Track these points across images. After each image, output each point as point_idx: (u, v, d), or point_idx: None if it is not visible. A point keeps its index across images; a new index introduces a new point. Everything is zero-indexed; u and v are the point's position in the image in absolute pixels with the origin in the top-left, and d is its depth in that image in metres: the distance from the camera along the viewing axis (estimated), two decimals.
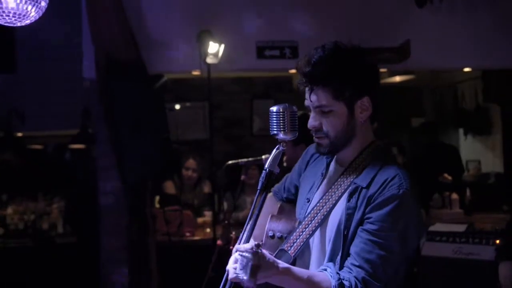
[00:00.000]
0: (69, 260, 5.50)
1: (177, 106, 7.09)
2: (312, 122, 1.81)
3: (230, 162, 3.91)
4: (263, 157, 3.75)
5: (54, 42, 5.95)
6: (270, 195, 2.19)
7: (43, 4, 2.25)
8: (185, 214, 5.14)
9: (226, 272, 1.64)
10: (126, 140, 4.49)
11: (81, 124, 6.12)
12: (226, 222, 3.87)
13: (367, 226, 1.71)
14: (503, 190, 6.44)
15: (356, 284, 1.66)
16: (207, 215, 5.55)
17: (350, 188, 1.77)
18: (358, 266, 1.68)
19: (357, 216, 1.73)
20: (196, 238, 5.12)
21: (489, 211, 5.48)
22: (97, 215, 4.99)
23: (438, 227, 4.58)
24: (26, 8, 2.20)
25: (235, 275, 1.57)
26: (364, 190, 1.74)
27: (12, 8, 2.26)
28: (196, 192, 5.75)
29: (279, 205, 2.13)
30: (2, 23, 2.22)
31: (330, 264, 1.75)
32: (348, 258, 1.72)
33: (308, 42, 4.94)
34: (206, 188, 5.82)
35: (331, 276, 1.68)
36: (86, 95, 5.37)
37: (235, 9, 5.07)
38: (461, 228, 4.47)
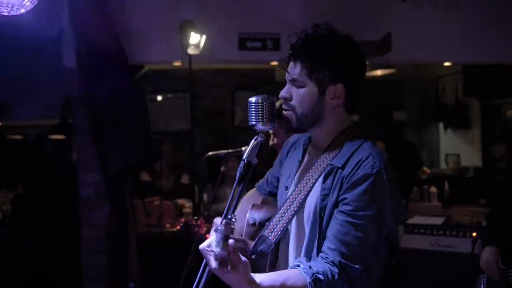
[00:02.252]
0: (49, 250, 5.48)
1: (159, 97, 7.06)
2: (282, 93, 1.83)
3: (210, 153, 3.91)
4: (243, 148, 3.74)
5: (35, 31, 5.86)
6: (253, 190, 2.20)
7: None
8: (165, 205, 5.13)
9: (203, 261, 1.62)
10: (107, 130, 4.47)
11: (61, 114, 6.05)
12: (206, 213, 3.87)
13: (343, 207, 1.70)
14: (481, 184, 6.52)
15: (331, 273, 1.64)
16: (188, 207, 5.55)
17: (325, 169, 1.78)
18: (334, 249, 1.66)
19: (332, 197, 1.73)
20: (176, 229, 5.10)
21: (467, 204, 5.54)
22: (77, 205, 4.96)
23: (416, 219, 4.62)
24: None
25: (206, 251, 1.53)
26: (339, 171, 1.74)
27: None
28: (171, 179, 5.73)
29: (262, 198, 2.14)
30: None
31: (302, 259, 1.73)
32: (325, 242, 1.70)
33: (289, 34, 4.93)
34: (185, 179, 5.82)
35: (304, 272, 1.64)
36: (66, 85, 5.30)
37: (217, 0, 5.05)
38: (438, 221, 4.53)
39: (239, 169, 1.77)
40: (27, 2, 2.35)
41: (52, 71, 5.98)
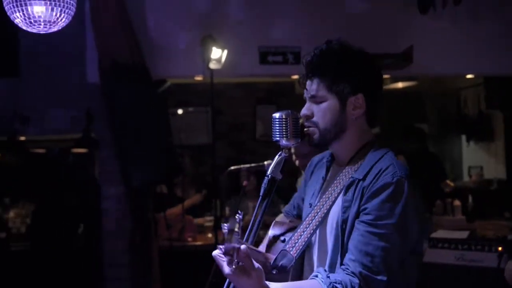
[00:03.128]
0: (72, 264, 5.51)
1: (180, 111, 7.10)
2: (304, 111, 1.84)
3: (232, 167, 3.92)
4: (265, 162, 3.75)
5: (58, 47, 5.95)
6: (281, 215, 2.19)
7: (71, 9, 2.29)
8: (187, 219, 5.14)
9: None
10: (130, 144, 4.50)
11: (84, 128, 6.11)
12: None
13: (363, 217, 1.68)
14: (505, 197, 6.43)
15: (351, 283, 1.61)
16: (209, 221, 5.55)
17: (346, 182, 1.78)
18: (355, 261, 1.64)
19: (354, 208, 1.72)
20: (198, 243, 5.12)
21: (491, 218, 5.46)
22: (100, 219, 4.99)
23: (440, 233, 4.57)
24: (56, 15, 2.24)
25: (219, 257, 1.54)
26: (360, 183, 1.73)
27: (40, 17, 2.31)
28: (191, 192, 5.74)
29: (289, 220, 2.11)
30: (35, 31, 2.25)
31: (321, 269, 1.71)
32: (347, 254, 1.69)
33: (311, 47, 4.93)
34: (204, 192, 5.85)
35: (322, 281, 1.63)
36: (89, 100, 5.37)
37: (238, 15, 5.08)
38: (463, 235, 4.46)
39: (263, 185, 1.79)
40: (62, 19, 2.40)
41: (75, 86, 6.08)
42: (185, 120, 6.93)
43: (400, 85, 7.20)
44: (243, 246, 1.53)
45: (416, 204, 1.71)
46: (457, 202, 5.55)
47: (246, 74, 5.32)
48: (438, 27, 5.20)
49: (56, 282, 5.43)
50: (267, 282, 1.60)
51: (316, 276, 1.68)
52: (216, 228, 4.89)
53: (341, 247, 1.73)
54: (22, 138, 6.79)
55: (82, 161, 7.39)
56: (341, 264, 1.71)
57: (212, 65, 4.77)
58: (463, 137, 8.34)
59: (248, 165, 3.84)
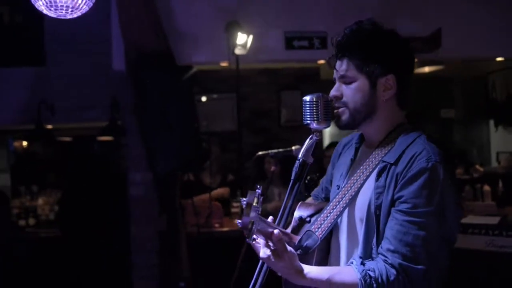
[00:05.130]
0: (100, 250, 5.57)
1: (204, 98, 7.09)
2: (333, 92, 1.80)
3: (260, 153, 3.91)
4: (293, 148, 3.75)
5: (83, 34, 5.98)
6: (310, 199, 2.17)
7: None
8: (214, 205, 5.14)
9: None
10: (157, 131, 4.51)
11: (110, 116, 6.14)
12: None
13: (400, 206, 1.64)
14: None
15: (387, 273, 1.59)
16: (236, 207, 5.55)
17: (378, 166, 1.73)
18: (394, 251, 1.61)
19: (388, 195, 1.67)
20: (225, 229, 5.13)
21: None
22: (127, 205, 5.03)
23: (470, 219, 4.50)
24: (77, 0, 2.23)
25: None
26: (392, 168, 1.69)
27: (63, 1, 2.30)
28: (217, 177, 5.74)
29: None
30: (55, 15, 2.25)
31: (356, 256, 1.70)
32: (383, 243, 1.65)
33: (337, 32, 4.87)
34: (230, 179, 5.84)
35: (356, 268, 1.63)
36: (115, 87, 5.39)
37: (263, 0, 5.04)
38: (494, 220, 4.39)
39: (294, 168, 1.76)
40: (83, 4, 2.40)
41: (101, 74, 6.11)
42: (209, 107, 6.91)
43: (426, 69, 7.09)
44: (276, 231, 1.56)
45: (452, 190, 1.67)
46: (486, 188, 5.48)
47: (272, 60, 5.28)
48: (466, 9, 5.09)
49: (84, 267, 5.50)
50: (302, 265, 1.62)
51: (352, 263, 1.67)
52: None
53: (377, 234, 1.70)
54: (49, 127, 6.85)
55: (108, 149, 7.44)
56: (377, 249, 1.68)
57: (238, 51, 4.74)
58: (491, 122, 8.21)
59: (275, 151, 3.83)
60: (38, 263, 5.72)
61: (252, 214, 1.49)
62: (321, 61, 5.25)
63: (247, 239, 1.52)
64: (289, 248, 1.59)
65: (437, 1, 5.08)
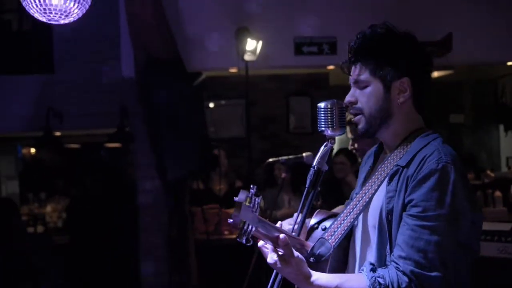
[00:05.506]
0: (108, 257, 5.54)
1: (212, 104, 7.08)
2: (348, 97, 1.77)
3: (270, 159, 3.87)
4: (304, 154, 3.70)
5: (92, 41, 5.99)
6: (341, 207, 2.15)
7: (86, 2, 2.25)
8: (224, 213, 5.11)
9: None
10: (166, 138, 4.49)
11: (118, 122, 6.13)
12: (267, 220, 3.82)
13: (411, 210, 1.58)
14: None
15: (398, 281, 1.53)
16: None
17: (391, 170, 1.69)
18: (405, 258, 1.55)
19: (399, 200, 1.62)
20: (234, 236, 5.08)
21: None
22: (135, 213, 5.01)
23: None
24: (69, 6, 2.20)
25: (264, 247, 1.59)
26: (404, 171, 1.64)
27: (56, 5, 2.27)
28: (224, 183, 5.70)
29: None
30: (46, 20, 2.23)
31: (367, 263, 1.65)
32: (395, 250, 1.59)
33: (347, 38, 4.83)
34: (238, 184, 5.81)
35: (366, 276, 1.58)
36: (124, 94, 5.38)
37: (273, 6, 5.02)
38: (506, 227, 4.34)
39: (309, 176, 1.74)
40: (75, 9, 2.35)
41: (109, 81, 6.10)
42: (217, 113, 6.89)
43: (435, 74, 7.04)
44: (282, 235, 1.53)
45: (465, 191, 1.60)
46: (498, 193, 5.41)
47: (281, 66, 5.26)
48: (477, 13, 5.06)
49: (92, 275, 5.47)
50: (309, 270, 1.59)
51: (363, 270, 1.63)
52: None
53: (389, 240, 1.65)
54: (58, 134, 6.84)
55: (116, 156, 7.43)
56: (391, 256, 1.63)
57: (247, 57, 4.73)
58: (501, 127, 8.15)
59: (286, 157, 3.79)
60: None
61: (245, 213, 1.44)
62: (331, 67, 5.22)
63: (237, 239, 1.48)
64: (296, 253, 1.56)
65: (447, 7, 5.04)
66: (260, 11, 4.99)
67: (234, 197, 1.46)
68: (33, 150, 8.87)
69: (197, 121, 4.55)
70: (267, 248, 1.58)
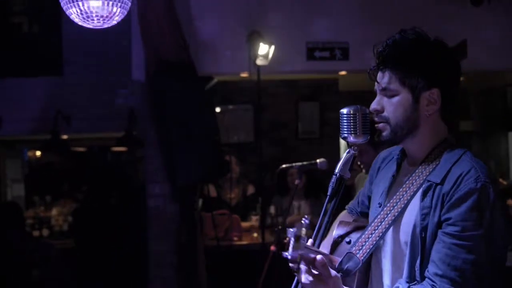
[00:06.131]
0: (116, 262, 5.49)
1: (218, 109, 7.04)
2: (373, 105, 1.72)
3: (283, 165, 3.84)
4: (318, 161, 3.68)
5: (101, 44, 5.96)
6: (344, 212, 2.11)
7: (126, 3, 2.23)
8: (234, 218, 5.07)
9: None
10: (176, 142, 4.44)
11: (127, 126, 6.10)
12: (279, 227, 3.78)
13: (448, 228, 1.55)
14: None
15: None
16: (254, 219, 5.47)
17: (423, 186, 1.65)
18: (442, 276, 1.53)
19: (434, 217, 1.59)
20: (244, 242, 5.05)
21: None
22: (145, 217, 4.96)
23: None
24: (110, 9, 2.18)
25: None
26: (438, 187, 1.61)
27: (97, 12, 2.26)
28: (236, 193, 5.66)
29: (353, 219, 2.04)
30: (91, 27, 2.20)
31: (402, 281, 1.63)
32: (429, 267, 1.57)
33: (359, 43, 4.83)
34: (251, 189, 5.76)
35: None
36: (133, 98, 5.35)
37: (285, 10, 4.98)
38: None
39: (331, 184, 1.69)
40: (116, 14, 2.35)
41: (118, 84, 6.08)
42: (226, 118, 6.85)
43: None
44: (319, 256, 1.51)
45: (502, 211, 1.59)
46: (510, 202, 5.35)
47: (293, 71, 5.21)
48: (490, 20, 5.01)
49: (99, 280, 5.42)
50: None
51: (398, 287, 1.61)
52: (263, 227, 4.82)
53: (421, 256, 1.62)
54: (65, 137, 6.81)
55: (122, 160, 7.41)
56: (422, 273, 1.61)
57: (259, 61, 4.69)
58: (510, 135, 8.09)
59: (300, 163, 3.76)
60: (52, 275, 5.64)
61: (302, 248, 1.47)
62: (343, 72, 5.17)
63: (295, 273, 1.49)
64: (333, 272, 1.55)
65: (458, 14, 5.00)
66: (273, 16, 4.95)
67: (290, 230, 1.47)
68: (38, 153, 8.85)
69: (209, 126, 4.50)
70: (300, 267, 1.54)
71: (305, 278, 1.53)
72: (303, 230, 1.47)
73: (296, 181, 3.83)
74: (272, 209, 5.36)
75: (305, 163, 3.74)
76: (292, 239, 1.46)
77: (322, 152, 5.40)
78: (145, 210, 4.96)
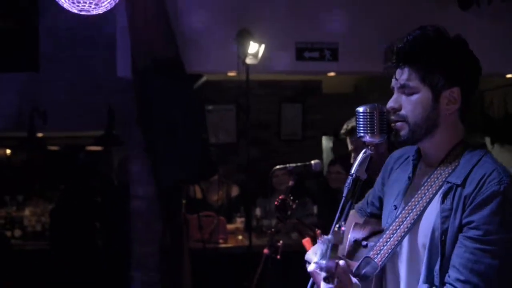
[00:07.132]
0: (91, 265, 5.35)
1: (210, 107, 6.93)
2: (390, 103, 1.67)
3: (277, 167, 3.77)
4: (312, 162, 3.63)
5: (81, 38, 5.79)
6: (353, 212, 2.04)
7: None
8: (220, 220, 4.98)
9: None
10: (163, 142, 4.31)
11: (107, 125, 5.94)
12: (273, 230, 3.69)
13: (470, 232, 1.51)
14: None
15: None
16: (239, 221, 5.39)
17: (443, 188, 1.61)
18: (464, 281, 1.49)
19: (455, 220, 1.55)
20: (230, 245, 4.97)
21: None
22: (127, 219, 4.82)
23: None
24: None
25: (314, 265, 1.44)
26: (459, 189, 1.57)
27: None
28: (221, 195, 5.57)
29: (363, 220, 1.98)
30: (77, 11, 2.09)
31: (424, 286, 1.58)
32: (451, 272, 1.53)
33: (348, 44, 4.79)
34: (235, 191, 5.67)
35: None
36: (116, 95, 5.20)
37: (274, 9, 4.92)
38: None
39: (346, 185, 1.63)
40: (105, 2, 2.25)
41: (97, 81, 5.91)
42: (208, 118, 6.74)
43: None
44: (341, 262, 1.46)
45: None
46: None
47: (282, 71, 5.14)
48: (478, 24, 5.03)
49: (75, 282, 5.26)
50: None
51: None
52: (250, 230, 4.74)
53: (441, 260, 1.57)
54: (40, 135, 6.61)
55: (97, 159, 7.23)
56: (441, 278, 1.56)
57: (249, 60, 4.59)
58: (488, 139, 8.19)
59: (294, 165, 3.69)
60: (24, 277, 5.45)
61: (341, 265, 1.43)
62: (331, 73, 5.12)
63: (326, 282, 1.43)
64: (354, 280, 1.52)
65: (448, 16, 5.00)
66: (261, 14, 4.88)
67: (325, 237, 1.44)
68: (8, 151, 8.59)
69: (197, 124, 4.38)
70: (320, 275, 1.48)
71: (324, 285, 1.46)
72: (340, 238, 1.43)
73: (290, 183, 3.75)
74: (257, 211, 5.27)
75: (299, 164, 3.67)
76: (324, 247, 1.41)
77: (304, 154, 5.35)
78: (124, 211, 4.82)
